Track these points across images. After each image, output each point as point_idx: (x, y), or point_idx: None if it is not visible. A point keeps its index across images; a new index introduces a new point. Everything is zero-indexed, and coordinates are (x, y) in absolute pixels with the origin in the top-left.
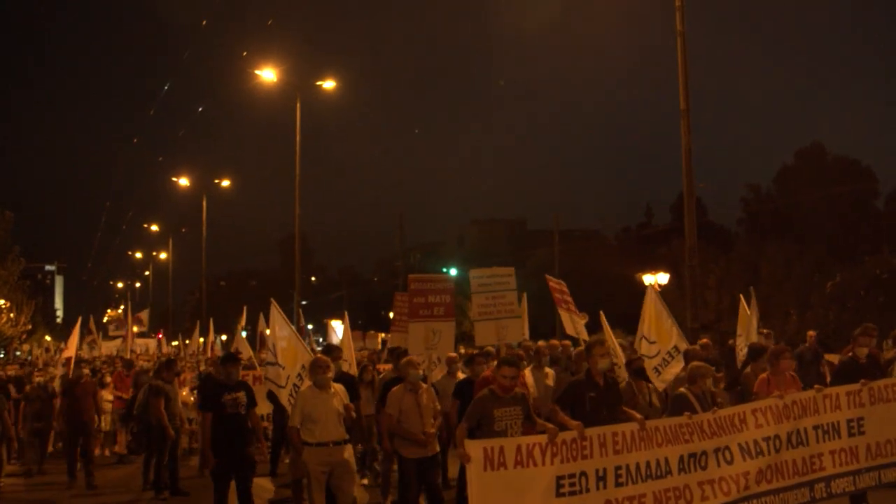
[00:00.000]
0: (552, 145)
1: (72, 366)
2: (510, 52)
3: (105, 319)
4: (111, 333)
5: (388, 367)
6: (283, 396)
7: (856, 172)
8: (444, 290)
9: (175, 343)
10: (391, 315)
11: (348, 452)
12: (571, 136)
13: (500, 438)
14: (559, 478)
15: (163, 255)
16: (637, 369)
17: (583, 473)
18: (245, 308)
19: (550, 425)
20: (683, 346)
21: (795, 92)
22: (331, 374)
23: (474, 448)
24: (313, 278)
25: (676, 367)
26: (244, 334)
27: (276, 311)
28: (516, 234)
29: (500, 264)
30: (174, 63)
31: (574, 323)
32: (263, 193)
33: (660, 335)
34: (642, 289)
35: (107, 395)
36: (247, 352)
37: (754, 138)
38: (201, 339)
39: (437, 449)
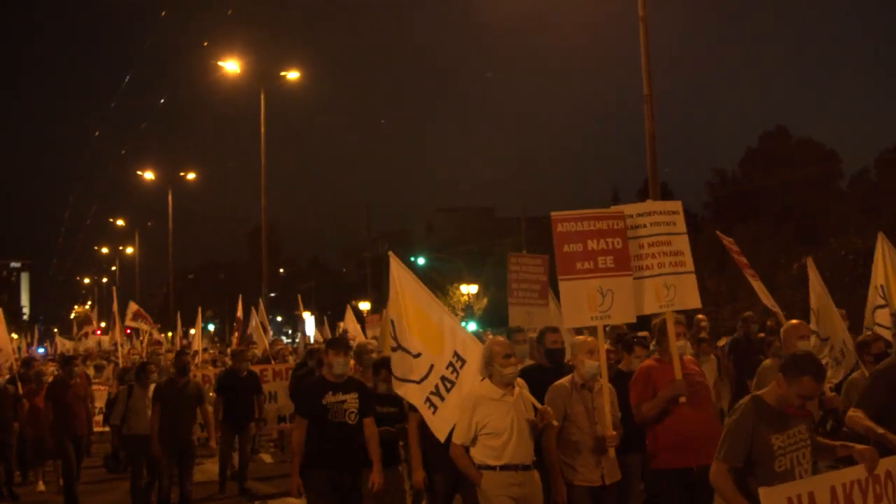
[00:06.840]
0: (518, 132)
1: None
2: (476, 39)
3: (72, 315)
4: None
5: None
6: (418, 395)
7: (820, 154)
8: (613, 230)
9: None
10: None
11: (539, 483)
12: (537, 122)
13: (803, 481)
14: None
15: (129, 250)
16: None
17: None
18: (240, 296)
19: (859, 447)
20: None
21: (758, 75)
22: (517, 368)
23: (773, 501)
24: (282, 269)
25: None
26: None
27: (406, 276)
28: (484, 222)
29: (469, 252)
30: (135, 54)
31: (762, 291)
32: (230, 186)
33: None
34: None
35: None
36: (262, 342)
37: (719, 122)
38: (170, 333)
39: (619, 476)
